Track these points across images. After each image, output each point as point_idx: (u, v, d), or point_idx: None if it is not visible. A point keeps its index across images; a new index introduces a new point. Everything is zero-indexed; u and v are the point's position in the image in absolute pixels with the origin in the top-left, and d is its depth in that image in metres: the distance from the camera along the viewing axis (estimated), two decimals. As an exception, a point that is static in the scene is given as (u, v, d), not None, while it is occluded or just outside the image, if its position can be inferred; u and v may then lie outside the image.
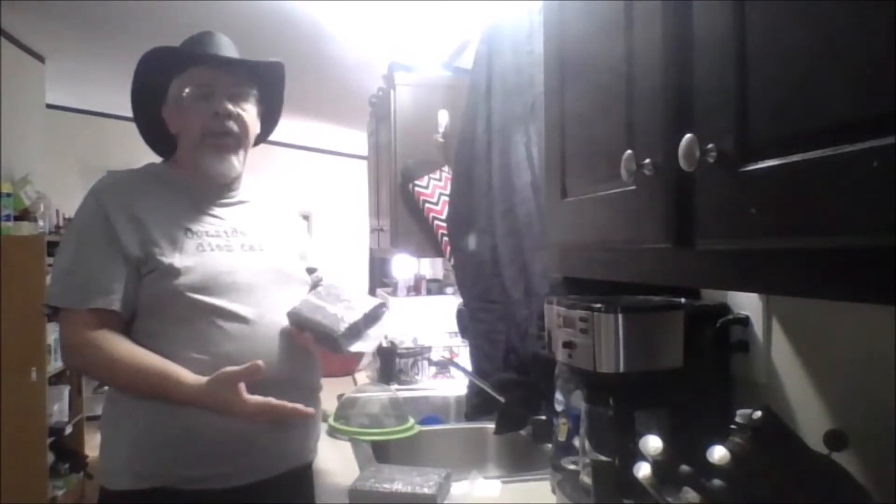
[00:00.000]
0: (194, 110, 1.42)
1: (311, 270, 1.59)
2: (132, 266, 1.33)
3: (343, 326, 1.39)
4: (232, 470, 1.33)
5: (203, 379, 1.29)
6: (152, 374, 1.30)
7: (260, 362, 1.28)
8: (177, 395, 1.29)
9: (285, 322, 1.41)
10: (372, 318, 1.47)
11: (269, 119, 1.58)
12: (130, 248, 1.32)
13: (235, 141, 1.44)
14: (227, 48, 1.47)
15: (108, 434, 1.38)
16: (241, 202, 1.51)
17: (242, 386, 1.28)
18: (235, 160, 1.46)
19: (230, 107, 1.42)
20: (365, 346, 1.45)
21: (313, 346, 1.42)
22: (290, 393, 1.39)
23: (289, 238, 1.55)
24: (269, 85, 1.53)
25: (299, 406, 1.34)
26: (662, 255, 0.78)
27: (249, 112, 1.46)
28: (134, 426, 1.32)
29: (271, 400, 1.31)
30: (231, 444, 1.32)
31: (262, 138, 1.56)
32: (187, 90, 1.42)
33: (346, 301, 1.45)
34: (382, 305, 1.51)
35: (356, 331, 1.42)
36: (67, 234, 1.43)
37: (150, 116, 1.49)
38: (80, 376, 4.29)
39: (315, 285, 1.58)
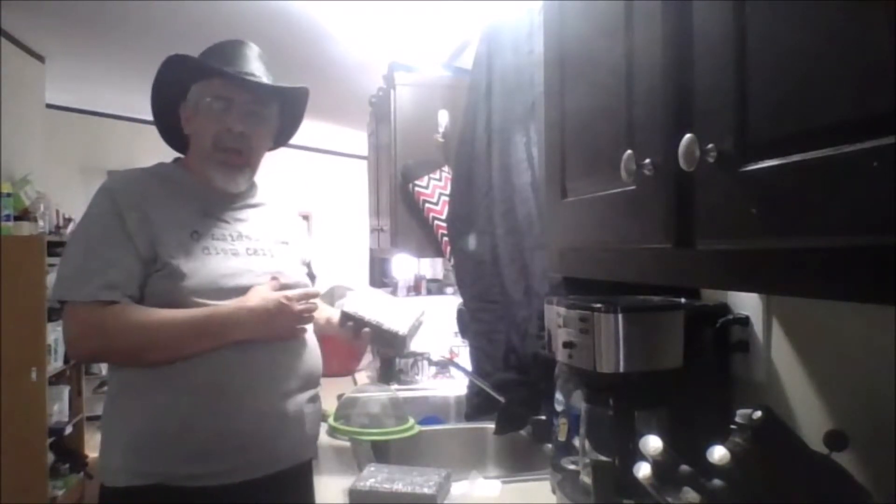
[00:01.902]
0: (210, 120, 1.42)
1: (311, 276, 1.60)
2: (142, 264, 1.33)
3: (405, 327, 1.52)
4: (230, 467, 1.33)
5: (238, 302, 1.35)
6: (190, 316, 1.31)
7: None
8: (225, 321, 1.32)
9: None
10: (421, 321, 1.61)
11: (284, 134, 1.58)
12: (141, 246, 1.32)
13: (245, 158, 1.45)
14: (255, 62, 1.46)
15: (107, 431, 1.38)
16: (248, 206, 1.51)
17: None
18: (241, 177, 1.47)
19: (244, 126, 1.42)
20: (413, 345, 1.63)
21: (366, 344, 1.56)
22: (288, 390, 1.40)
23: (293, 243, 1.55)
24: (290, 104, 1.53)
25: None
26: (662, 255, 0.78)
27: (263, 131, 1.47)
28: (132, 423, 1.33)
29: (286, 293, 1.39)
30: (229, 440, 1.32)
31: (273, 148, 1.56)
32: (207, 99, 1.42)
33: (394, 304, 1.60)
34: (424, 312, 1.64)
35: (414, 331, 1.57)
36: (77, 231, 1.42)
37: (168, 112, 1.49)
38: (80, 376, 4.29)
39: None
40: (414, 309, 1.61)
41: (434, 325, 3.00)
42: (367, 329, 1.57)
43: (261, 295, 1.37)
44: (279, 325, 1.38)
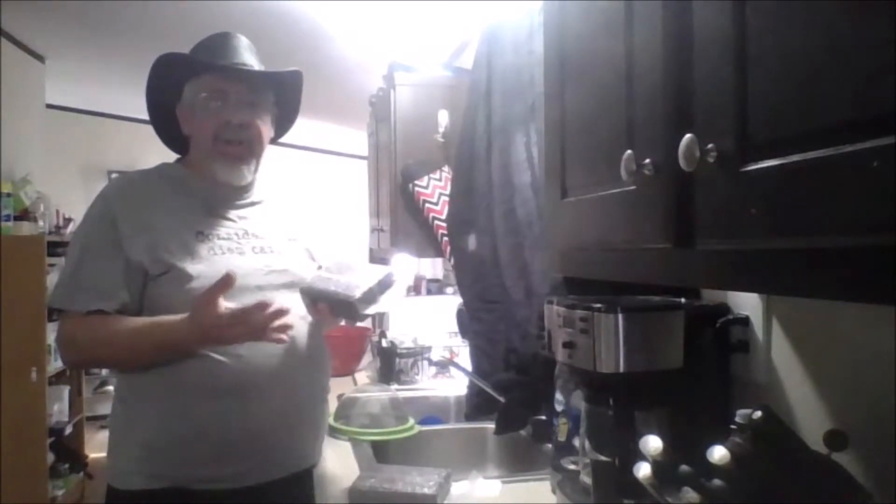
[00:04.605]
0: (207, 117, 1.41)
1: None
2: (136, 270, 1.32)
3: (358, 292, 1.37)
4: (243, 470, 1.33)
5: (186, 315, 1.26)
6: (145, 331, 1.30)
7: (231, 273, 1.24)
8: (173, 340, 1.28)
9: (296, 324, 1.40)
10: (384, 284, 1.46)
11: (284, 122, 1.57)
12: (135, 252, 1.32)
13: (247, 149, 1.44)
14: (245, 52, 1.45)
15: (118, 434, 1.37)
16: (253, 203, 1.50)
17: (222, 303, 1.24)
18: (246, 169, 1.45)
19: (242, 116, 1.41)
20: (379, 308, 1.44)
21: (329, 317, 1.41)
22: (299, 393, 1.39)
23: (300, 239, 1.53)
24: (285, 90, 1.51)
25: (272, 305, 1.26)
26: (662, 255, 0.78)
27: (262, 120, 1.45)
28: (146, 426, 1.32)
29: (246, 307, 1.25)
30: (242, 444, 1.32)
31: (274, 140, 1.55)
32: (202, 95, 1.41)
33: (357, 271, 1.45)
34: (392, 274, 1.49)
35: (371, 296, 1.41)
36: (75, 237, 1.44)
37: (164, 114, 1.48)
38: (80, 376, 4.29)
39: None
40: (375, 273, 1.46)
41: (433, 325, 3.02)
42: (323, 302, 1.41)
43: (197, 317, 1.25)
44: (225, 339, 1.28)
